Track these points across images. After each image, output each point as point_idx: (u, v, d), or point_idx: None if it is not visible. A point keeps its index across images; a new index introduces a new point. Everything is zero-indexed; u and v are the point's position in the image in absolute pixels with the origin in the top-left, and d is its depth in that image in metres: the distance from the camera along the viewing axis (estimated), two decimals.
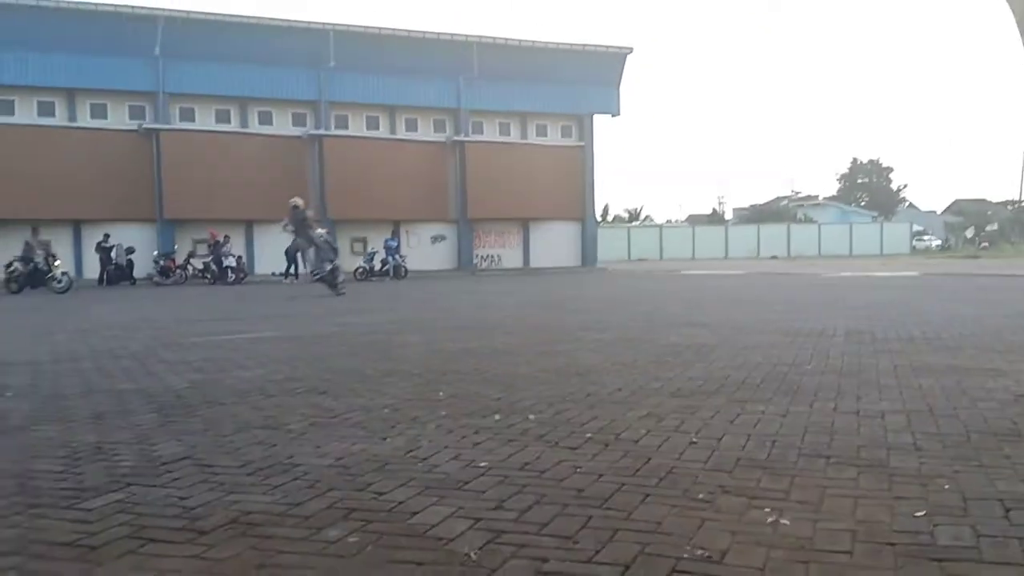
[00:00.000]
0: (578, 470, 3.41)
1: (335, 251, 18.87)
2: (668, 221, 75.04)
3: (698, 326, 9.57)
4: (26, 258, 22.46)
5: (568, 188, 36.35)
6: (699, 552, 2.50)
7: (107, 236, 27.60)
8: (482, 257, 36.23)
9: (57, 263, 22.55)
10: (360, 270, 27.63)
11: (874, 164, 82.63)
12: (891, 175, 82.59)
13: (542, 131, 37.30)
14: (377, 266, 28.23)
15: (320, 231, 18.52)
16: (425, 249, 34.83)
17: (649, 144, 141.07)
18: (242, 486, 3.28)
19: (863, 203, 78.53)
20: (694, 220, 75.72)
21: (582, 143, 37.33)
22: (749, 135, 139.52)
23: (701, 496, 3.06)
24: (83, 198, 29.03)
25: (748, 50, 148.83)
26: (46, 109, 29.75)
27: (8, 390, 5.79)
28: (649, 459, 3.59)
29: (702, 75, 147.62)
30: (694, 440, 3.93)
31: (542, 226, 37.09)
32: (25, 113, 29.49)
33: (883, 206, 76.62)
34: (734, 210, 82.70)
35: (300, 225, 17.95)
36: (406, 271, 28.33)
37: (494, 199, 34.54)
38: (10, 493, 3.22)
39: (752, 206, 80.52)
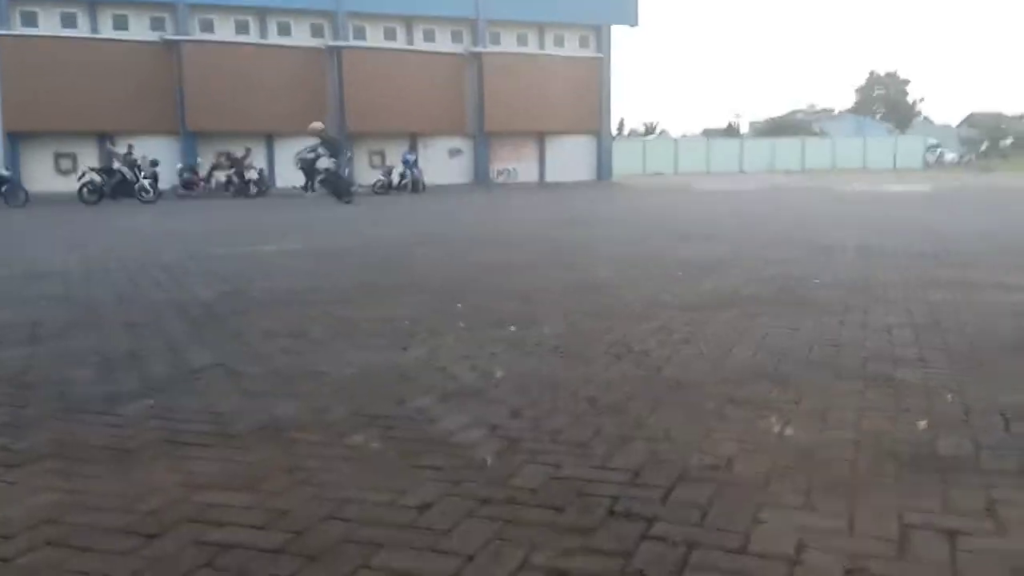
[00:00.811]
0: (591, 381, 3.46)
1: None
2: (683, 135, 73.82)
3: (711, 240, 9.52)
4: (107, 168, 22.24)
5: (584, 101, 35.73)
6: (706, 459, 2.54)
7: (131, 147, 27.49)
8: (498, 171, 35.94)
9: (143, 174, 22.32)
10: (379, 184, 27.49)
11: (891, 76, 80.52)
12: (907, 88, 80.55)
13: (559, 42, 36.46)
14: (395, 180, 28.06)
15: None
16: (442, 163, 34.52)
17: (667, 56, 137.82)
18: (269, 393, 3.34)
19: (879, 115, 76.87)
20: (709, 134, 74.48)
21: (600, 54, 36.52)
22: (767, 48, 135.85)
23: (710, 406, 3.09)
24: (107, 110, 28.81)
25: None
26: (68, 20, 29.29)
27: (44, 299, 5.88)
28: (660, 370, 3.62)
29: None
30: (703, 351, 3.96)
31: (558, 140, 36.63)
32: (48, 24, 29.05)
33: (899, 119, 74.99)
34: (750, 124, 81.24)
35: (332, 146, 18.27)
36: (424, 185, 28.17)
37: (511, 112, 34.05)
38: (49, 399, 3.30)
39: (768, 119, 78.99)
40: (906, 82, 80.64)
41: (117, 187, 22.10)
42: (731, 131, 75.21)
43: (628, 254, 8.26)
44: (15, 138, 28.33)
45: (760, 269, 6.93)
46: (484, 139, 35.10)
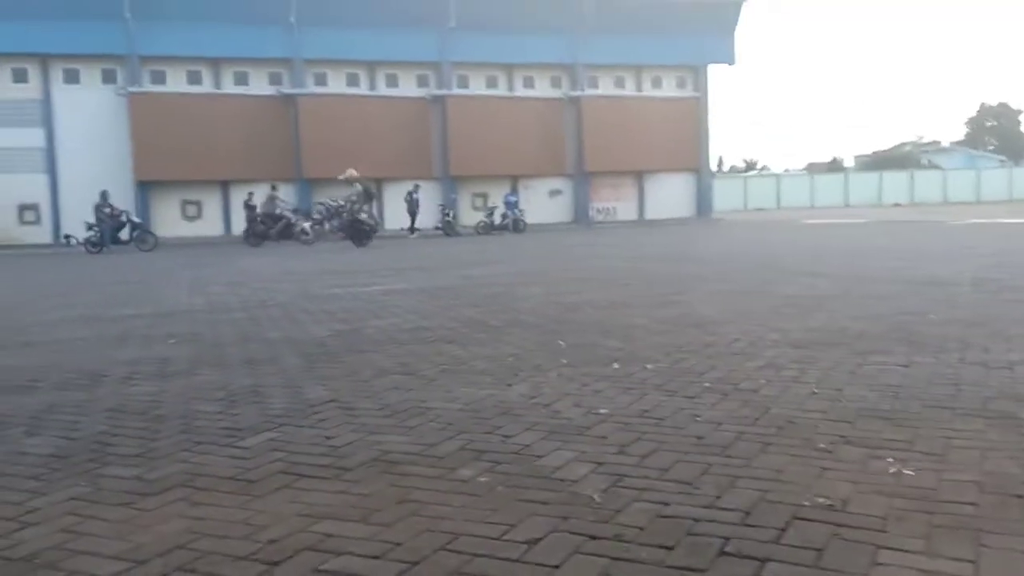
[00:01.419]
0: (697, 419, 3.39)
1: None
2: (786, 170, 72.22)
3: (817, 276, 9.24)
4: (269, 214, 23.59)
5: (683, 139, 35.49)
6: (820, 500, 2.45)
7: (251, 195, 28.80)
8: (598, 210, 35.94)
9: (299, 219, 23.88)
10: (481, 224, 27.90)
11: (1003, 107, 76.87)
12: (1021, 118, 76.68)
13: (657, 83, 36.43)
14: (497, 220, 28.42)
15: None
16: (543, 203, 34.79)
17: (766, 92, 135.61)
18: (381, 427, 3.41)
19: (991, 148, 73.35)
20: (813, 168, 72.61)
21: (697, 94, 36.28)
22: (871, 81, 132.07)
23: (822, 446, 2.99)
24: (229, 160, 30.34)
25: None
26: (194, 77, 31.11)
27: (172, 337, 6.19)
28: (768, 409, 3.52)
29: (821, 19, 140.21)
30: (814, 390, 3.83)
31: (657, 178, 36.42)
32: (175, 81, 30.93)
33: (1012, 150, 71.36)
34: (855, 157, 78.82)
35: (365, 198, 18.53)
36: (525, 225, 28.43)
37: (609, 152, 34.13)
38: (177, 431, 3.46)
39: (874, 153, 76.47)
40: (1019, 112, 76.85)
41: (283, 231, 23.40)
42: (835, 165, 73.14)
43: (731, 290, 8.10)
44: (145, 187, 30.11)
45: (870, 305, 6.67)
46: (584, 179, 35.23)
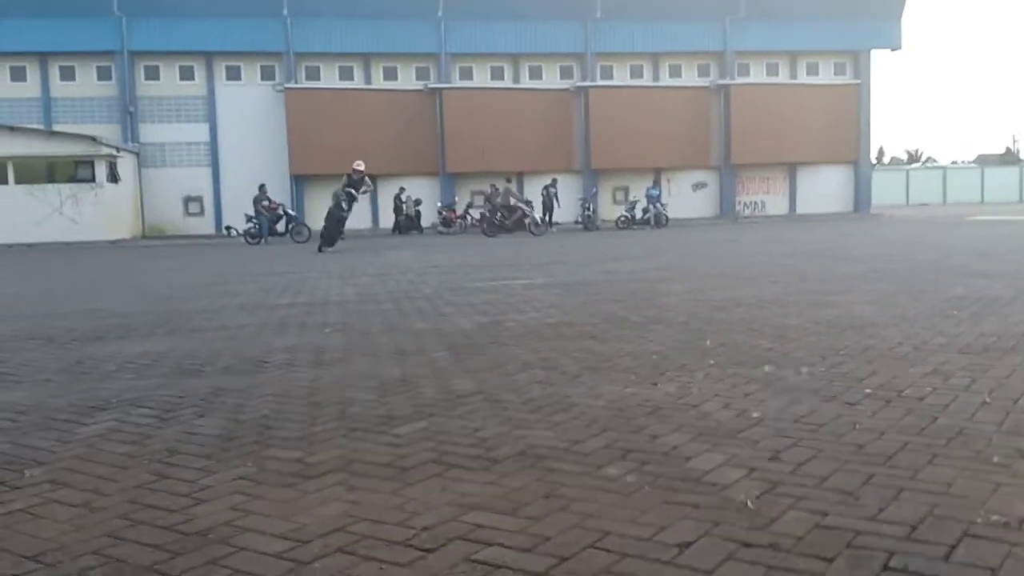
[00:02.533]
0: (857, 426, 3.26)
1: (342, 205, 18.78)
2: (953, 162, 67.79)
3: (988, 277, 8.65)
4: (506, 205, 24.74)
5: (840, 129, 33.95)
6: (994, 518, 2.31)
7: (402, 189, 29.77)
8: (744, 204, 34.95)
9: (531, 209, 24.78)
10: (622, 219, 27.72)
11: None
12: None
13: (813, 69, 35.01)
14: (639, 215, 28.14)
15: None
16: (686, 197, 34.22)
17: (933, 79, 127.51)
18: (527, 421, 3.47)
19: None
20: (984, 160, 67.80)
21: (857, 81, 34.62)
22: None
23: (996, 459, 2.81)
24: (377, 154, 31.47)
25: None
26: (346, 73, 32.45)
27: (327, 326, 6.51)
28: (935, 418, 3.34)
29: (993, 1, 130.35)
30: (987, 400, 3.60)
31: (810, 170, 35.03)
32: (328, 77, 32.36)
33: None
34: None
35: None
36: (667, 219, 28.03)
37: (759, 143, 33.11)
38: (334, 418, 3.65)
39: None
40: None
41: (517, 222, 24.29)
42: (1009, 157, 68.01)
43: (891, 291, 7.70)
44: (300, 180, 31.72)
45: None
46: (730, 171, 34.36)
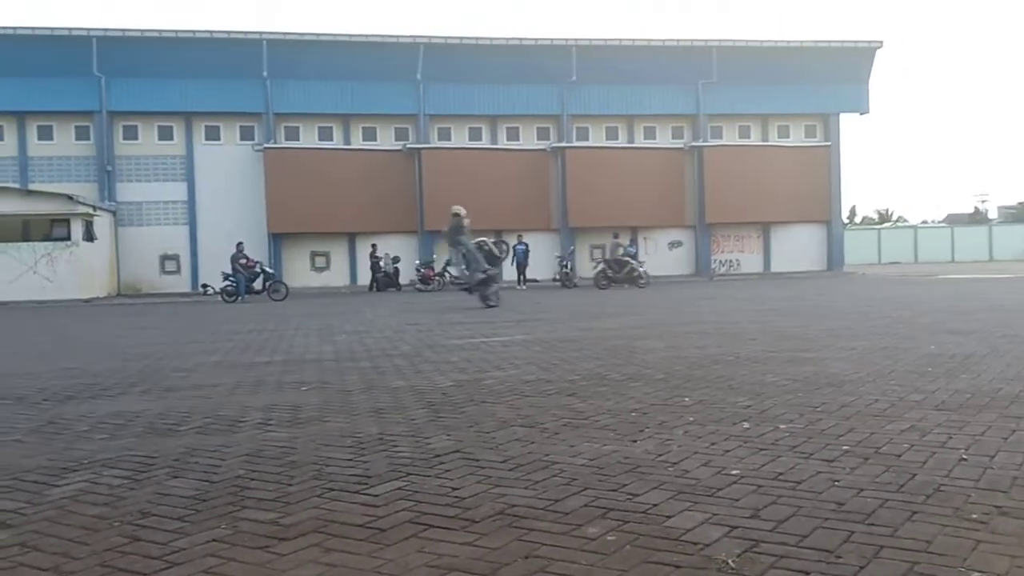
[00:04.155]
0: (836, 483, 3.26)
1: (497, 259, 18.02)
2: (924, 222, 69.14)
3: (961, 334, 8.76)
4: (617, 259, 24.98)
5: (812, 189, 34.62)
6: (975, 575, 2.30)
7: (374, 247, 29.86)
8: (720, 262, 35.34)
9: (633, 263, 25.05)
10: (600, 276, 27.84)
11: None
12: None
13: (784, 132, 35.81)
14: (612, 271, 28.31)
15: (480, 239, 17.71)
16: (662, 255, 34.56)
17: (901, 141, 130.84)
18: (506, 480, 3.44)
19: None
20: (953, 220, 69.19)
21: (828, 143, 35.43)
22: (1015, 126, 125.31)
23: (975, 516, 2.81)
24: (356, 213, 31.61)
25: (1006, 35, 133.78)
26: (325, 134, 32.74)
27: (304, 385, 6.45)
28: (914, 475, 3.35)
29: (960, 63, 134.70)
30: (964, 457, 3.62)
31: (784, 229, 35.57)
32: (308, 137, 32.63)
33: None
34: (999, 208, 74.69)
35: (450, 234, 17.32)
36: (647, 277, 28.19)
37: (733, 203, 33.65)
38: (310, 478, 3.59)
39: (1021, 204, 72.25)
40: None
41: (627, 275, 24.73)
42: (978, 217, 69.50)
43: (867, 348, 7.77)
44: (277, 238, 31.72)
45: (1022, 366, 6.26)
46: (705, 230, 34.80)
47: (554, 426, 4.52)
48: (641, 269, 24.90)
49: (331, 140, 32.71)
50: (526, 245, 29.13)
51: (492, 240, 18.96)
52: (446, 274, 29.35)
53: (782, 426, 4.34)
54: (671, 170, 34.13)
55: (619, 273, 24.71)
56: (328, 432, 4.56)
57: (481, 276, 16.97)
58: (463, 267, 17.41)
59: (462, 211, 17.39)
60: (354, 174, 31.65)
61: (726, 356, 7.43)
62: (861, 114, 35.61)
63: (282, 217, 30.92)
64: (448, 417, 4.89)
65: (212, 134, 31.88)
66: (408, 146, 32.51)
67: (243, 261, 24.23)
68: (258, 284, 24.35)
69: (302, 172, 31.09)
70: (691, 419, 4.59)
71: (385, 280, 28.94)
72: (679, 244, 35.19)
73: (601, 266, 25.47)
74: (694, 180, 34.42)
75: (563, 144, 33.36)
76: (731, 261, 35.60)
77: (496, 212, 31.94)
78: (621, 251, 25.39)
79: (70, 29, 29.94)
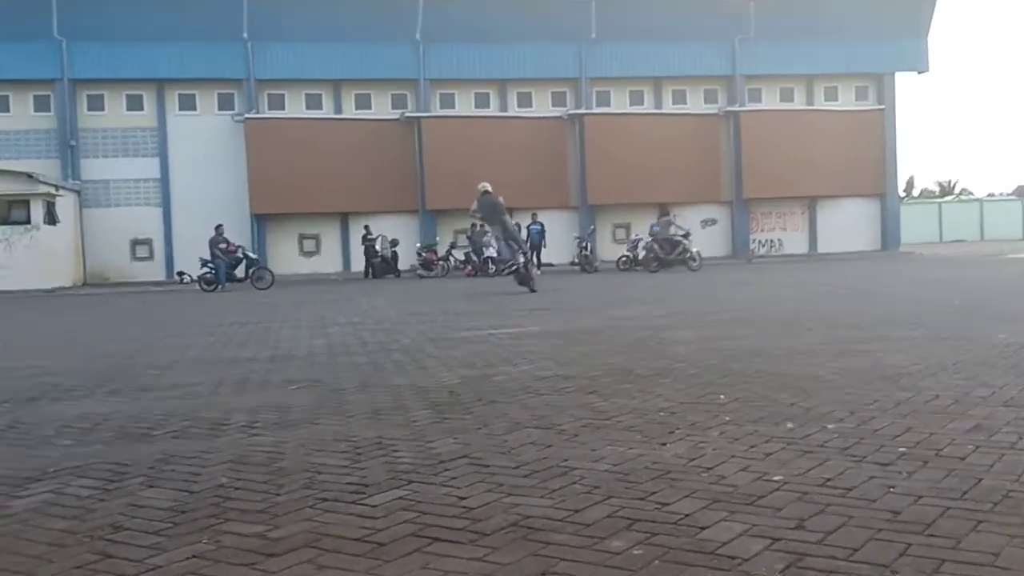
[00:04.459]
0: (891, 490, 3.25)
1: (520, 243, 18.74)
2: (991, 195, 68.64)
3: None
4: (668, 239, 25.02)
5: (864, 159, 34.39)
6: None
7: (367, 228, 29.89)
8: (760, 242, 35.25)
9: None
10: (623, 259, 27.85)
11: None
12: None
13: (831, 94, 35.58)
14: (642, 254, 28.28)
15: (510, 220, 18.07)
16: (695, 235, 34.42)
17: (965, 104, 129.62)
18: (519, 488, 3.45)
19: None
20: None
21: (881, 106, 35.19)
22: None
23: None
24: (349, 191, 31.61)
25: None
26: (314, 102, 32.76)
27: (292, 383, 6.49)
28: (979, 480, 3.34)
29: None
30: None
31: (832, 204, 35.41)
32: (294, 106, 32.64)
33: None
34: None
35: (491, 212, 17.47)
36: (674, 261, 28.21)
37: (774, 175, 33.46)
38: (300, 486, 3.62)
39: None
40: None
41: (679, 255, 24.85)
42: None
43: (926, 337, 7.75)
44: (261, 220, 31.78)
45: None
46: (743, 206, 34.67)
47: (573, 428, 4.54)
48: (694, 250, 24.98)
49: (320, 109, 32.76)
50: (541, 225, 29.20)
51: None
52: (451, 258, 29.46)
53: (830, 426, 4.34)
54: (704, 139, 34.00)
55: (670, 254, 24.69)
56: (320, 436, 4.59)
57: (523, 259, 17.79)
58: (510, 247, 17.91)
59: (490, 187, 17.69)
60: (346, 147, 31.68)
61: (767, 348, 7.42)
62: (919, 73, 35.39)
63: (266, 196, 31.00)
64: (454, 418, 4.91)
65: (187, 103, 31.96)
66: (406, 115, 32.51)
67: (223, 246, 24.34)
68: (240, 271, 24.48)
69: (288, 145, 31.13)
70: (727, 419, 4.60)
71: (382, 266, 29.02)
72: (713, 222, 35.10)
73: (649, 246, 25.41)
74: (730, 150, 34.29)
75: (581, 110, 33.28)
76: (772, 241, 35.49)
77: (506, 188, 31.77)
78: (673, 229, 25.32)
79: None
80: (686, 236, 25.68)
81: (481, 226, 26.21)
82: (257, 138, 31.12)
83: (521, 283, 17.41)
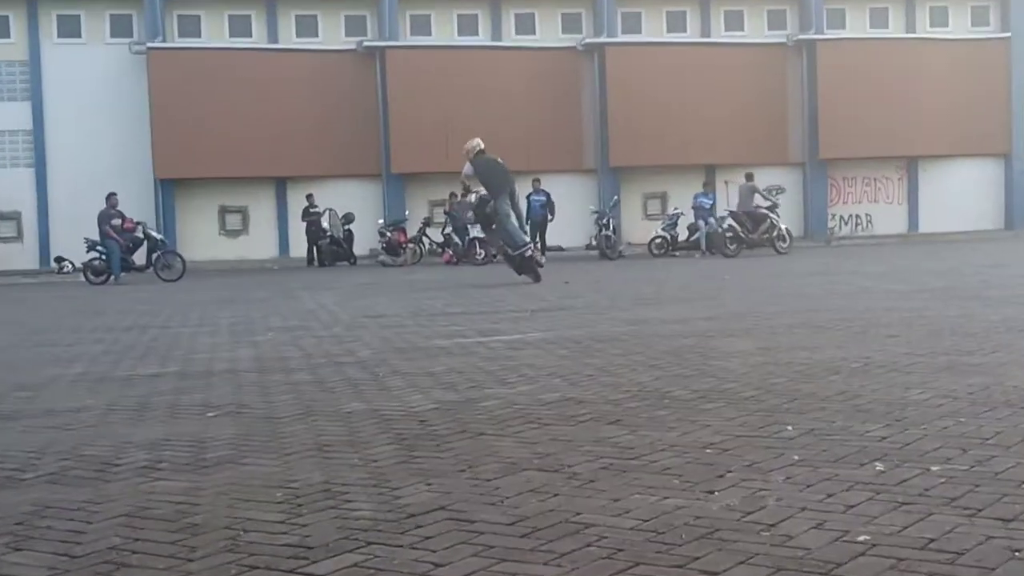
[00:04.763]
0: (1017, 554, 3.26)
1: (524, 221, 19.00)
2: None
3: None
4: (749, 212, 25.69)
5: (983, 106, 34.22)
6: None
7: (310, 198, 29.77)
8: (842, 218, 35.18)
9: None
10: (658, 241, 27.84)
11: None
12: None
13: (940, 17, 35.49)
14: (682, 234, 28.28)
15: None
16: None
17: None
18: (515, 552, 3.46)
19: None
20: None
21: (1007, 34, 35.08)
22: None
23: None
24: (288, 148, 31.43)
25: None
26: (241, 27, 32.58)
27: (210, 409, 6.48)
28: None
29: None
30: None
31: (939, 168, 35.37)
32: (214, 33, 32.49)
33: None
34: None
35: (494, 177, 17.77)
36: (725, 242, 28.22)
37: (861, 127, 33.31)
38: (221, 549, 3.61)
39: None
40: None
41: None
42: None
43: None
44: (169, 187, 31.59)
45: None
46: (819, 170, 34.57)
47: (588, 470, 4.54)
48: (783, 227, 25.12)
49: (248, 36, 32.68)
50: (546, 195, 29.04)
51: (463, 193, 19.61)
52: (424, 240, 29.37)
53: (934, 468, 4.35)
54: (767, 78, 33.86)
55: (753, 232, 24.79)
56: (247, 480, 4.58)
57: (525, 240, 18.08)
58: (510, 228, 17.92)
59: (483, 144, 17.99)
60: (284, 88, 31.55)
61: (850, 362, 7.43)
62: None
63: (176, 155, 30.88)
64: (428, 457, 4.91)
65: (69, 28, 31.83)
66: (365, 44, 32.43)
67: (117, 222, 24.24)
68: (140, 256, 24.39)
69: (205, 86, 31.02)
70: (796, 458, 4.60)
71: (332, 249, 28.98)
72: (780, 191, 35.00)
73: (726, 221, 25.78)
74: (801, 93, 34.22)
75: (602, 39, 33.20)
76: (858, 217, 35.44)
77: (500, 147, 31.72)
78: (757, 199, 25.40)
79: None
80: (772, 208, 25.73)
81: (464, 195, 26.17)
82: (164, 76, 30.99)
83: (520, 271, 17.50)
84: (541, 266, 17.78)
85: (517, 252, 17.46)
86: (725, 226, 25.85)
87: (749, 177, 27.22)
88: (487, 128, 31.35)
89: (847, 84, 33.31)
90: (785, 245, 25.20)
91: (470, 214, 25.24)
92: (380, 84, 32.22)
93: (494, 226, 18.04)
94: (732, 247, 24.99)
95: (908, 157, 35.07)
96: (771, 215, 25.41)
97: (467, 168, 17.81)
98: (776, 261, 22.95)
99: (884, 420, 5.36)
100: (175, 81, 30.95)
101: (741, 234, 25.03)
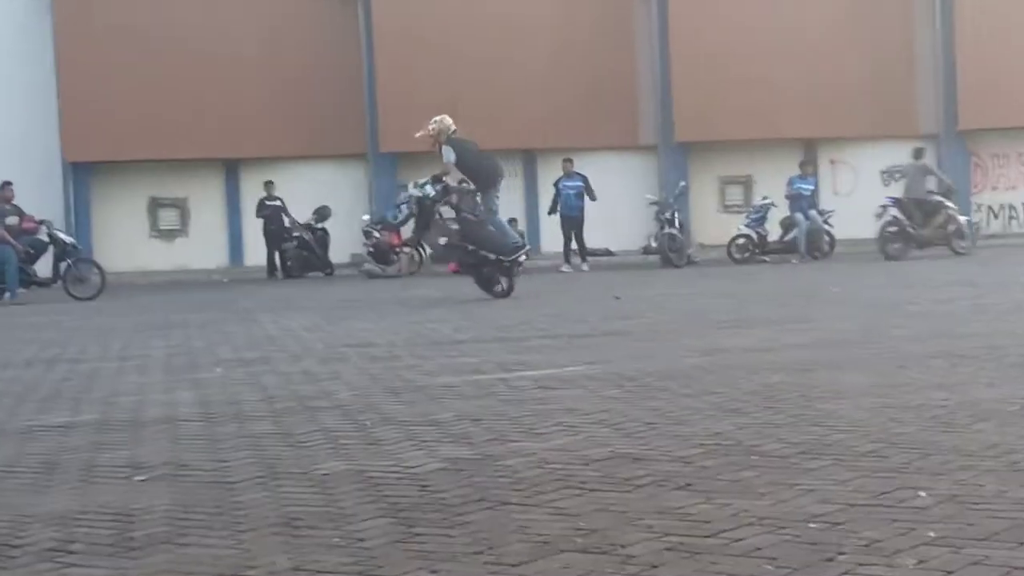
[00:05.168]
0: None
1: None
2: None
3: None
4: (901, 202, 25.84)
5: None
6: None
7: (269, 186, 29.74)
8: (989, 209, 35.02)
9: None
10: (741, 241, 27.81)
11: None
12: None
13: None
14: (771, 233, 28.23)
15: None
16: (871, 193, 34.12)
17: None
18: None
19: None
20: None
21: None
22: None
23: None
24: (240, 121, 31.51)
25: None
26: None
27: (138, 471, 6.48)
28: None
29: None
30: None
31: None
32: None
33: None
34: None
35: (481, 168, 19.12)
36: (832, 242, 28.16)
37: (1013, 91, 33.10)
38: None
39: None
40: None
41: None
42: None
43: None
44: (83, 173, 31.65)
45: None
46: (957, 144, 34.39)
47: (649, 551, 4.52)
48: (962, 219, 25.36)
49: None
50: (582, 180, 28.89)
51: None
52: (422, 246, 29.35)
53: None
54: (882, 22, 33.75)
55: (924, 226, 24.79)
56: (189, 567, 4.58)
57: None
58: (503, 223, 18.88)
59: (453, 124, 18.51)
60: (236, 44, 31.66)
61: (1002, 404, 7.41)
62: None
63: (91, 132, 31.00)
64: (432, 535, 4.90)
65: None
66: None
67: (13, 221, 24.34)
68: (44, 266, 24.49)
69: (129, 43, 31.12)
70: (932, 534, 4.58)
71: (300, 256, 28.99)
72: (903, 175, 34.94)
73: (890, 211, 25.80)
74: (933, 44, 34.14)
75: None
76: (1012, 208, 35.21)
77: (521, 117, 31.72)
78: (931, 182, 25.39)
79: None
80: (948, 193, 25.68)
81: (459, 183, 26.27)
82: (74, 31, 31.16)
83: (483, 285, 18.16)
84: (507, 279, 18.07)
85: (512, 256, 17.65)
86: (888, 218, 25.71)
87: (919, 154, 26.96)
88: (506, 95, 31.51)
89: (995, 33, 33.19)
90: (965, 244, 25.18)
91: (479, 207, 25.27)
92: (365, 41, 32.30)
93: (459, 226, 18.22)
94: (894, 247, 24.83)
95: None
96: (947, 204, 25.22)
97: (448, 153, 17.97)
98: (892, 264, 22.89)
99: None
100: (89, 38, 31.06)
101: (910, 228, 24.84)
